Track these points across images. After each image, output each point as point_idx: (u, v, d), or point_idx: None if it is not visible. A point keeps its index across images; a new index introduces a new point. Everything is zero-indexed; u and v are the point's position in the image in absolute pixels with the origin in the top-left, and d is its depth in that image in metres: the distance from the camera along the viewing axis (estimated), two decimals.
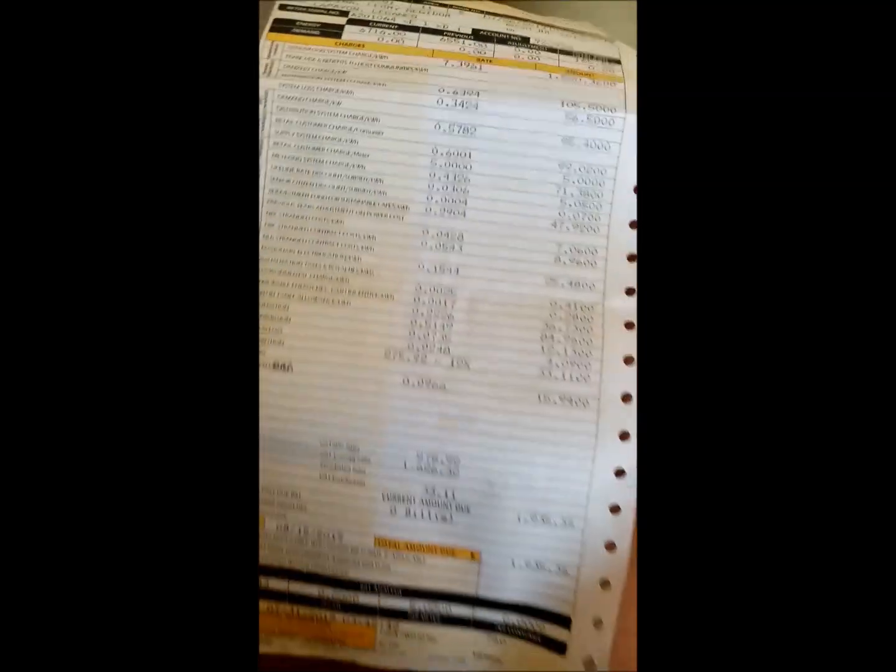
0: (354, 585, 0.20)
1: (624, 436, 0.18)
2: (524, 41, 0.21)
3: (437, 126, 0.19)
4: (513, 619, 0.19)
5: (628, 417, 0.18)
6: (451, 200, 0.19)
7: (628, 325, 0.19)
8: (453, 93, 0.19)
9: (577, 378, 0.19)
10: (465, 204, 0.19)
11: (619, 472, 0.18)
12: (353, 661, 0.20)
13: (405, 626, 0.20)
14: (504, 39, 0.21)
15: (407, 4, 0.21)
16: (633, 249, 0.19)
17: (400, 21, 0.21)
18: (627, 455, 0.18)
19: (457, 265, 0.19)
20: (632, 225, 0.19)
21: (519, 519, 0.19)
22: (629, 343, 0.19)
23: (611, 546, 0.18)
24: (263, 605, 0.20)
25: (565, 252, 0.19)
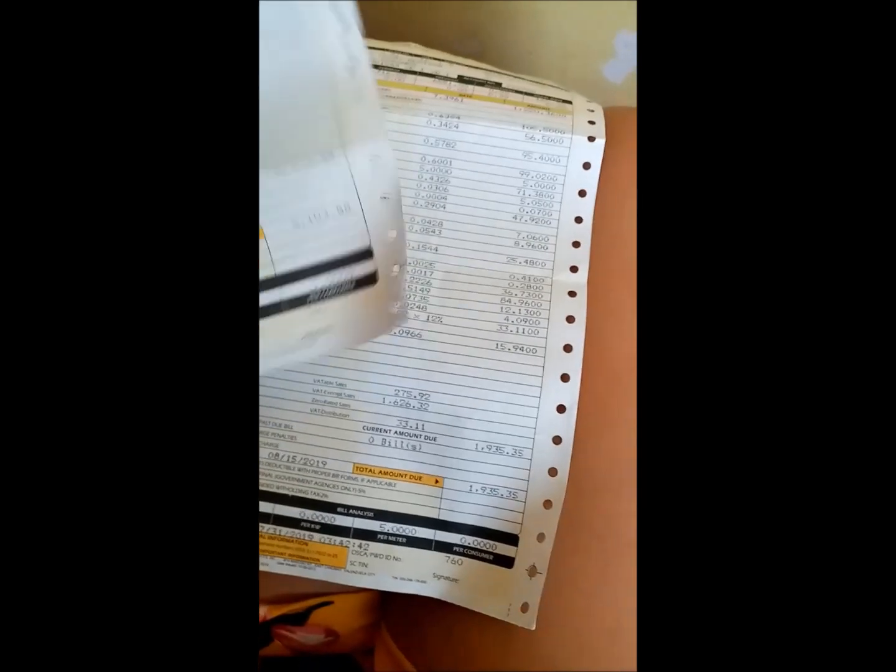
0: (332, 508, 0.22)
1: (564, 377, 0.22)
2: (497, 85, 0.27)
3: (426, 140, 0.25)
4: (468, 540, 0.22)
5: (569, 364, 0.22)
6: (434, 196, 0.24)
7: (571, 294, 0.23)
8: (439, 116, 0.25)
9: (527, 332, 0.23)
10: (445, 199, 0.24)
11: (561, 408, 0.22)
12: (325, 581, 0.22)
13: (374, 547, 0.22)
14: (482, 83, 0.27)
15: (408, 56, 0.27)
16: (577, 237, 0.24)
17: (402, 67, 0.27)
18: (568, 394, 0.22)
19: (436, 245, 0.24)
20: (576, 220, 0.24)
21: (477, 448, 0.22)
22: (571, 307, 0.23)
23: (553, 472, 0.22)
24: None
25: (523, 238, 0.24)
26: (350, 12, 0.18)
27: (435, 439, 0.22)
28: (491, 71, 0.28)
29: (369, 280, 0.19)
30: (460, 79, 0.27)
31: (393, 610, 0.25)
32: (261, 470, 0.23)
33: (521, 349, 0.23)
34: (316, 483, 0.22)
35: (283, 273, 0.18)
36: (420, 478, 0.22)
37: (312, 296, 0.19)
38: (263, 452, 0.23)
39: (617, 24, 0.43)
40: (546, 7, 0.43)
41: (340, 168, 0.18)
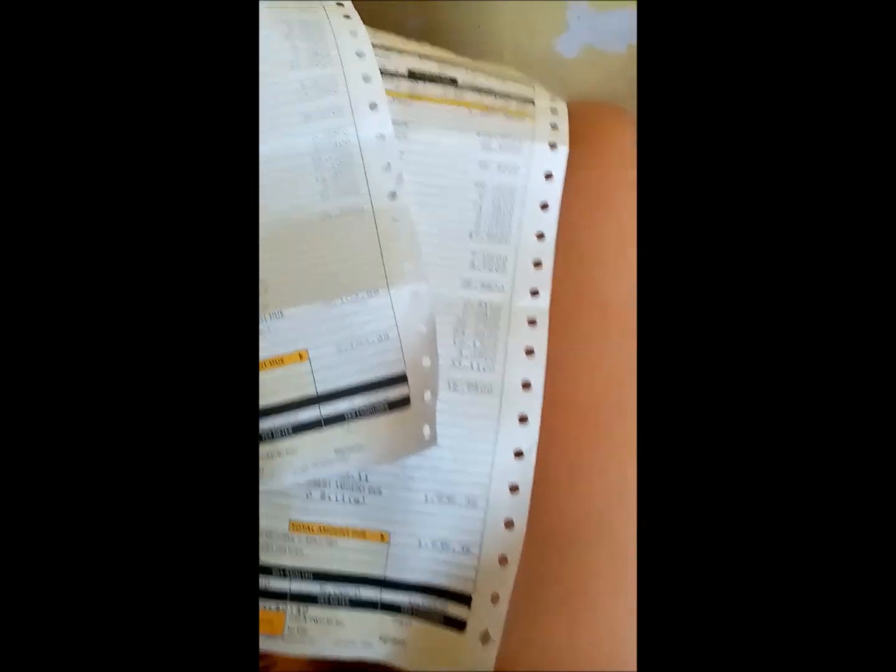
0: (266, 570, 0.20)
1: (523, 419, 0.20)
2: (452, 82, 0.24)
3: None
4: (417, 600, 0.20)
5: (528, 403, 0.20)
6: None
7: (531, 322, 0.21)
8: None
9: (482, 368, 0.21)
10: None
11: (518, 454, 0.20)
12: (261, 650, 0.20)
13: (314, 611, 0.20)
14: (434, 79, 0.24)
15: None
16: (539, 257, 0.22)
17: None
18: (526, 437, 0.20)
19: None
20: (538, 236, 0.22)
21: (426, 499, 0.20)
22: (531, 337, 0.21)
23: (509, 524, 0.20)
24: None
25: (479, 259, 0.22)
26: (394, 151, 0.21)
27: (380, 491, 0.20)
28: (445, 63, 0.25)
29: (402, 403, 0.20)
30: (411, 75, 0.23)
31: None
32: None
33: (476, 388, 0.20)
34: None
35: (324, 392, 0.20)
36: (364, 534, 0.20)
37: (349, 415, 0.20)
38: None
39: None
40: None
41: (383, 303, 0.20)
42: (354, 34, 0.23)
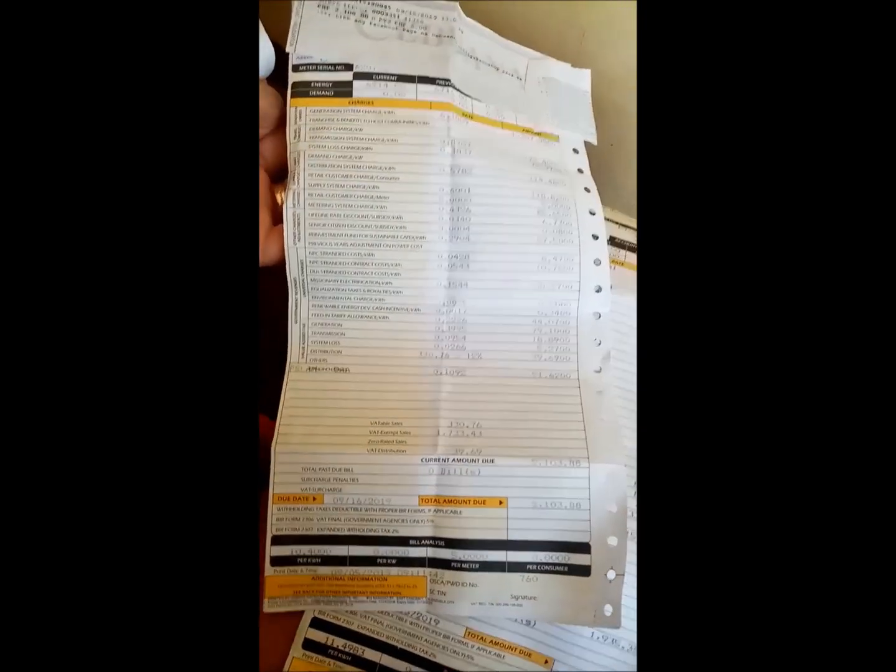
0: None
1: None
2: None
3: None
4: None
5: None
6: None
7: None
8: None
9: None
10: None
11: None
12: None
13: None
14: (633, 248, 0.28)
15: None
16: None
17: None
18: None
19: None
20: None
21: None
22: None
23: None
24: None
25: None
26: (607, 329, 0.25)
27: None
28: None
29: (582, 571, 0.22)
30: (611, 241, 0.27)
31: None
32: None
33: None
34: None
35: (513, 540, 0.22)
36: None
37: (531, 566, 0.22)
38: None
39: None
40: None
41: (581, 475, 0.22)
42: (593, 213, 0.26)
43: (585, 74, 0.31)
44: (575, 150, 0.28)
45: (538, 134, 0.28)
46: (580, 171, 0.28)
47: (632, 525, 0.23)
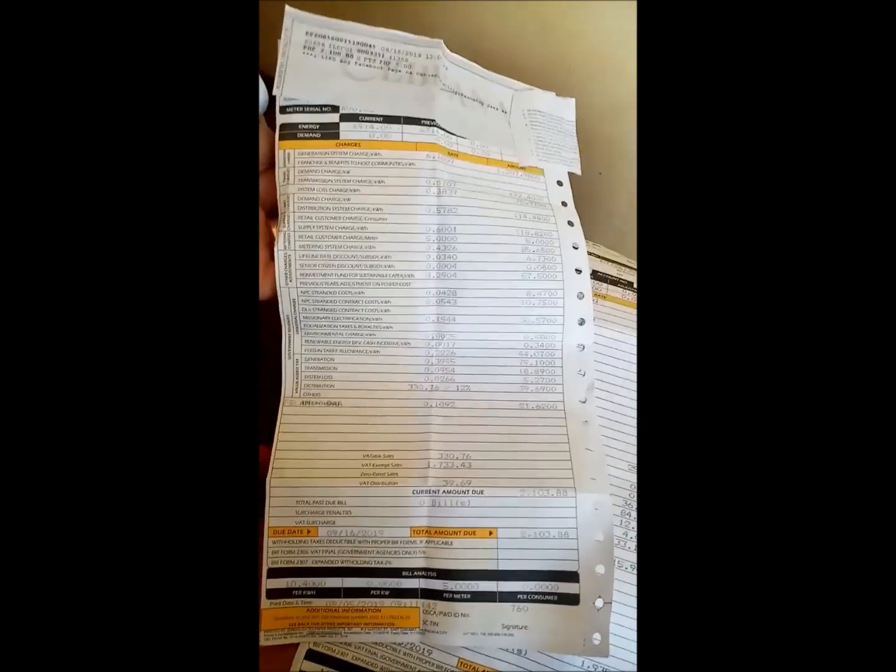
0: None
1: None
2: (629, 284, 0.28)
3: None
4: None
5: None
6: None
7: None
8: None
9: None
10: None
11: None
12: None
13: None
14: (616, 282, 0.28)
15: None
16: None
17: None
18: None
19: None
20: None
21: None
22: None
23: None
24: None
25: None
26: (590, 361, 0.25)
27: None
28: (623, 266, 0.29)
29: (571, 600, 0.23)
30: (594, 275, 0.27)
31: None
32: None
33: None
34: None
35: (504, 570, 0.23)
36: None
37: (521, 596, 0.23)
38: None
39: None
40: None
41: (568, 504, 0.23)
42: (576, 247, 0.27)
43: (570, 104, 0.32)
44: (559, 183, 0.29)
45: (523, 168, 0.28)
46: (564, 203, 0.28)
47: (618, 553, 0.23)
